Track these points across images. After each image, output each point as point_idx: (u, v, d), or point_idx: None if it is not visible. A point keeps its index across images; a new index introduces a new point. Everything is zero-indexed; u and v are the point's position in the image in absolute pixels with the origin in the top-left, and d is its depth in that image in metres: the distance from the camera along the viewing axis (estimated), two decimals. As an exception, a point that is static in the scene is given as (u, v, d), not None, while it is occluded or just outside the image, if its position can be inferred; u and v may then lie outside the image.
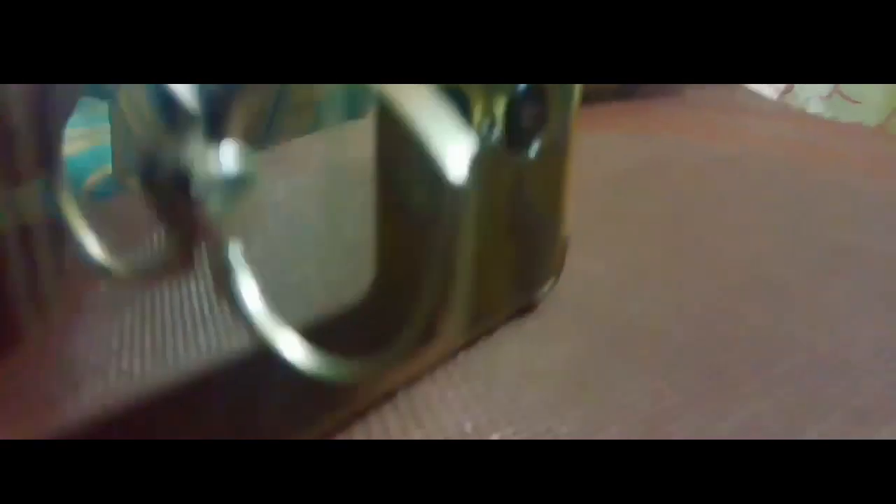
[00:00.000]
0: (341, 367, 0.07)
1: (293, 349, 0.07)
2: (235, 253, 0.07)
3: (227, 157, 0.07)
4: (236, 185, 0.07)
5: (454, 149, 0.06)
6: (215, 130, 0.07)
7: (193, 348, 0.10)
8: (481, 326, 0.15)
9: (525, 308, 0.17)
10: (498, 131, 0.13)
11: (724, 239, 0.24)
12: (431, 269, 0.06)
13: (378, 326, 0.11)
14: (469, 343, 0.15)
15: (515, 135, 0.14)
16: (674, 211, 0.27)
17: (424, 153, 0.06)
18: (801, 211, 0.27)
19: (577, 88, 0.16)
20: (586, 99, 0.17)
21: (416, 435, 0.12)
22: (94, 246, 0.08)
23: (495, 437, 0.12)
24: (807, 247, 0.23)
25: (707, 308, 0.18)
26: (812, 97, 1.03)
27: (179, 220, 0.08)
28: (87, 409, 0.09)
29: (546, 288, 0.17)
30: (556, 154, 0.15)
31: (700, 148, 0.39)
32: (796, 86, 0.95)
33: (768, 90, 0.72)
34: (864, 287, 0.20)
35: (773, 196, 0.29)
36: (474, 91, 0.13)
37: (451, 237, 0.06)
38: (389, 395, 0.13)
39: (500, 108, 0.13)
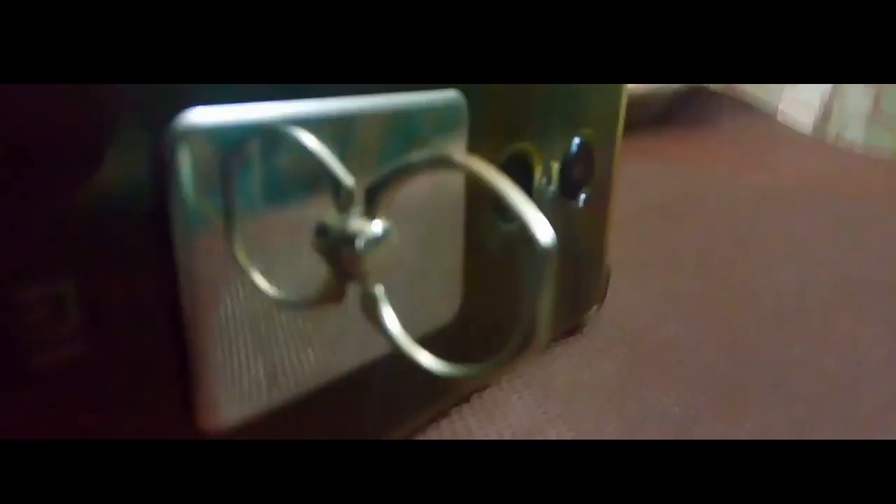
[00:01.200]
0: (462, 369, 0.10)
1: (425, 358, 0.10)
2: (380, 289, 0.11)
3: (379, 223, 0.10)
4: (383, 242, 0.10)
5: (539, 217, 0.09)
6: (368, 203, 0.11)
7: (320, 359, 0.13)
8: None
9: (574, 329, 0.20)
10: (554, 185, 0.16)
11: (751, 269, 0.26)
12: (526, 305, 0.09)
13: (466, 340, 0.14)
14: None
15: (567, 188, 0.17)
16: (706, 242, 0.29)
17: (519, 220, 0.09)
18: (824, 242, 0.30)
19: (620, 144, 0.19)
20: (626, 127, 0.20)
21: (490, 429, 0.15)
22: (261, 280, 0.12)
23: (552, 434, 0.15)
24: (826, 277, 0.25)
25: (732, 332, 0.21)
26: (852, 118, 1.04)
27: (341, 264, 0.11)
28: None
29: (591, 312, 0.20)
30: (600, 201, 0.18)
31: (734, 180, 0.41)
32: (836, 108, 0.97)
33: (805, 116, 0.73)
34: (873, 314, 0.22)
35: (799, 228, 0.32)
36: (534, 154, 0.16)
37: (542, 284, 0.09)
38: (469, 398, 0.16)
39: (555, 167, 0.16)
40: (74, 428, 0.09)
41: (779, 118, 0.65)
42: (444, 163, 0.10)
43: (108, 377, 0.09)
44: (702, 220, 0.33)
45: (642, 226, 0.31)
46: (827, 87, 0.76)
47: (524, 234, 0.09)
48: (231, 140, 0.10)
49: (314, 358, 0.13)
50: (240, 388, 0.11)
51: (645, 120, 0.52)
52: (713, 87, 0.57)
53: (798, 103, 0.70)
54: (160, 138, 0.09)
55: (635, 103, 0.51)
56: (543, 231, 0.09)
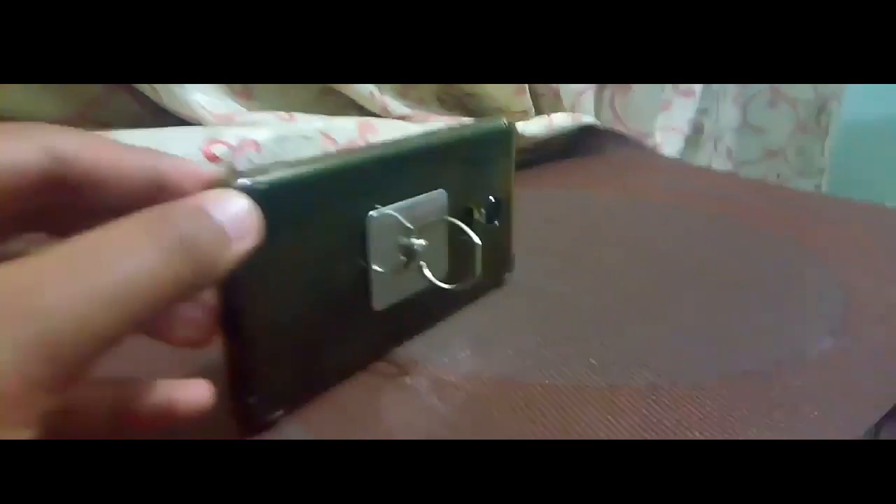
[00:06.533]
0: (455, 285, 0.30)
1: (443, 285, 0.30)
2: (424, 264, 0.31)
3: (422, 241, 0.31)
4: (423, 248, 0.31)
5: (476, 238, 0.30)
6: (418, 234, 0.31)
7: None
8: (480, 290, 0.38)
9: (497, 284, 0.40)
10: (483, 218, 0.37)
11: (606, 255, 0.47)
12: (471, 263, 0.29)
13: (452, 278, 0.34)
14: (474, 299, 0.38)
15: (489, 218, 0.37)
16: (581, 240, 0.50)
17: (470, 240, 0.30)
18: (660, 238, 0.50)
19: (512, 194, 0.39)
20: (536, 161, 0.39)
21: (462, 325, 0.35)
22: (377, 267, 0.31)
23: (488, 331, 0.35)
24: (649, 257, 0.46)
25: (596, 292, 0.41)
26: (726, 130, 1.28)
27: (409, 256, 0.31)
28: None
29: (505, 276, 0.40)
30: (505, 222, 0.39)
31: (608, 198, 0.62)
32: (708, 122, 1.20)
33: (674, 140, 0.95)
34: (674, 282, 0.43)
35: (645, 228, 0.53)
36: (474, 207, 0.36)
37: (476, 258, 0.29)
38: (454, 314, 0.36)
39: (483, 211, 0.36)
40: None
41: (654, 143, 0.87)
42: (445, 221, 0.30)
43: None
44: (580, 226, 0.53)
45: (539, 231, 0.51)
46: (693, 110, 0.98)
47: (471, 242, 0.30)
48: (384, 221, 0.29)
49: (408, 286, 0.32)
50: (384, 294, 0.31)
51: (550, 154, 0.73)
52: (600, 125, 0.78)
53: (668, 129, 0.92)
54: (364, 220, 0.29)
55: (543, 143, 0.72)
56: (477, 241, 0.29)
